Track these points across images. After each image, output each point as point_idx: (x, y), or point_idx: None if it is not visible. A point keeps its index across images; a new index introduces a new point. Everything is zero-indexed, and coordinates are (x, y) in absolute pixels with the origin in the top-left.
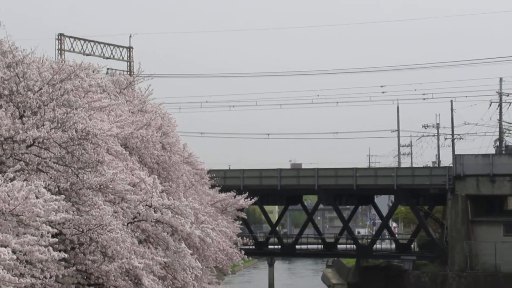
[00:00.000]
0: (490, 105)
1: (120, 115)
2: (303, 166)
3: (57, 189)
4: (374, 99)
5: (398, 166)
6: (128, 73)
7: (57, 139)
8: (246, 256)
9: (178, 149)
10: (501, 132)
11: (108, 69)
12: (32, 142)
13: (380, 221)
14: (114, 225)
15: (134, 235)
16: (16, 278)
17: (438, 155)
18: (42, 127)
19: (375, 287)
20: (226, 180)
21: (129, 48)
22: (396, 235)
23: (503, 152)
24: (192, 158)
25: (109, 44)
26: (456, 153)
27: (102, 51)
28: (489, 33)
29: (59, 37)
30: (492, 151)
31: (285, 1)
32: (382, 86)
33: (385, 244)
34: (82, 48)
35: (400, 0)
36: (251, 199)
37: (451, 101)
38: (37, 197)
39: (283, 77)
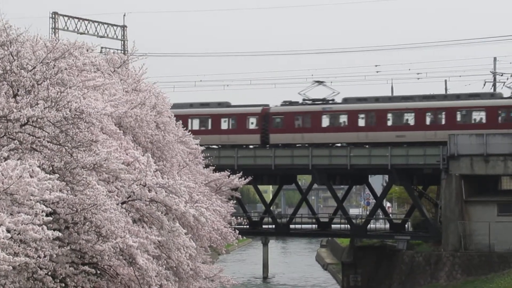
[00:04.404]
0: (484, 84)
1: (114, 94)
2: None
3: (51, 168)
4: (368, 78)
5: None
6: (122, 52)
7: (51, 118)
8: (240, 236)
9: (172, 128)
10: None
11: (102, 48)
12: (26, 121)
13: (374, 201)
14: (108, 204)
15: (128, 214)
16: (11, 256)
17: None
18: (36, 106)
19: (369, 266)
20: (220, 160)
21: (123, 27)
22: (390, 215)
23: None
24: (186, 137)
25: (103, 23)
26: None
27: (96, 30)
28: (483, 12)
29: (53, 15)
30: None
31: None
32: (376, 66)
33: (379, 224)
34: (76, 26)
35: None
36: (245, 179)
37: (445, 80)
38: (31, 176)
39: (278, 56)
